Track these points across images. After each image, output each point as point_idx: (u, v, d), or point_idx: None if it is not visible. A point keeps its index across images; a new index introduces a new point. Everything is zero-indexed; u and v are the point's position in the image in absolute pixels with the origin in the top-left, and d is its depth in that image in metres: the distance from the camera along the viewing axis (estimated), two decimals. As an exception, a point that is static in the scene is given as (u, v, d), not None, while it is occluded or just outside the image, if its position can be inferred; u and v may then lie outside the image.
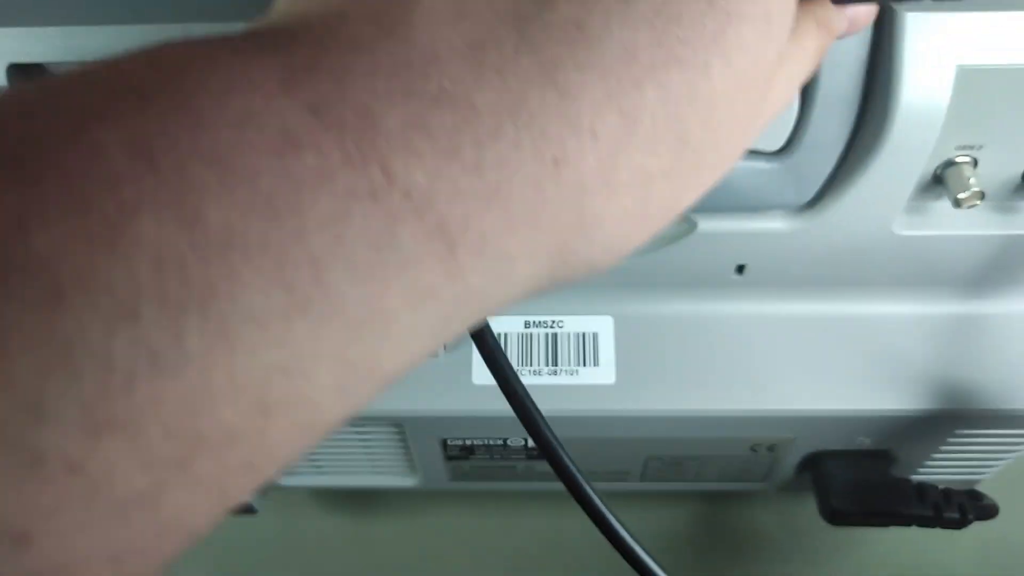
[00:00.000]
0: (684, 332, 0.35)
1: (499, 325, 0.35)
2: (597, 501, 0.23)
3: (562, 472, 0.22)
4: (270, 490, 0.42)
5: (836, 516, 0.36)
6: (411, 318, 0.13)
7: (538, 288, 0.16)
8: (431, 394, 0.34)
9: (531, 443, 0.37)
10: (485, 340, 0.22)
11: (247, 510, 0.42)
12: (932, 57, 0.26)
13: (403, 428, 0.36)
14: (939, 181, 0.31)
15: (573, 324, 0.35)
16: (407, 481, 0.41)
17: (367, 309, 0.12)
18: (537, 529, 0.48)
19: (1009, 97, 0.27)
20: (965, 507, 0.36)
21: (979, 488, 0.41)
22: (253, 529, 0.48)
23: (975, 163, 0.30)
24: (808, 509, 0.39)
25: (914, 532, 0.37)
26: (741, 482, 0.40)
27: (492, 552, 0.48)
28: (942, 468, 0.38)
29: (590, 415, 0.34)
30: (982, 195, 0.29)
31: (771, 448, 0.36)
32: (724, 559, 0.48)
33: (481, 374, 0.34)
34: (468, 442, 0.36)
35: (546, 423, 0.22)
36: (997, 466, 0.38)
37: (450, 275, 0.13)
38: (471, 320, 0.15)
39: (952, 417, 0.34)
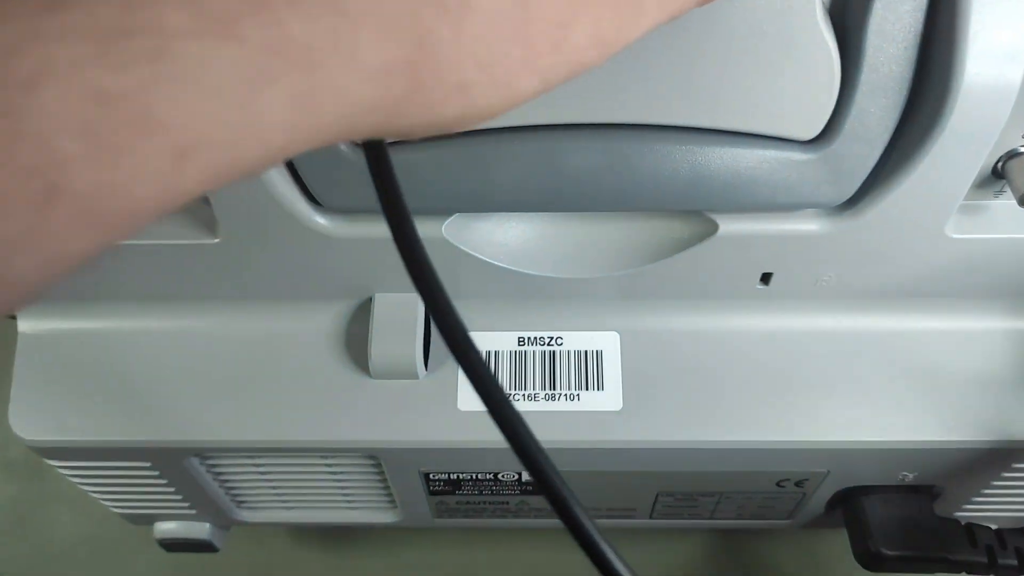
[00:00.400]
0: (701, 351, 0.30)
1: (489, 342, 0.30)
2: (598, 539, 0.18)
3: (557, 503, 0.18)
4: (231, 526, 0.38)
5: (873, 560, 0.31)
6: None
7: (400, 97, 0.14)
8: (410, 423, 0.30)
9: (526, 477, 0.32)
10: (467, 354, 0.18)
11: (206, 547, 0.37)
12: (1003, 26, 0.22)
13: (379, 460, 0.31)
14: (1000, 176, 0.26)
15: (574, 341, 0.30)
16: (386, 518, 0.36)
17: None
18: (530, 567, 0.44)
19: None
20: (1022, 550, 0.31)
21: None
22: (219, 568, 0.44)
23: (1041, 153, 0.26)
24: (835, 545, 0.35)
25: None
26: (763, 520, 0.36)
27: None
28: (992, 505, 0.34)
29: (592, 446, 0.29)
30: (1052, 192, 0.25)
31: (800, 483, 0.32)
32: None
33: (468, 399, 0.30)
34: (454, 476, 0.32)
35: (540, 448, 0.18)
36: (1054, 502, 0.34)
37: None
38: (332, 111, 0.13)
39: (1008, 450, 0.29)
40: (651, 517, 0.36)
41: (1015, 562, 0.31)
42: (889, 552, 0.31)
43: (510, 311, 0.31)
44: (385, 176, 0.17)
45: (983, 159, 0.24)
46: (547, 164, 0.25)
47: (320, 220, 0.27)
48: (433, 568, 0.44)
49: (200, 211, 0.28)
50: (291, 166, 0.25)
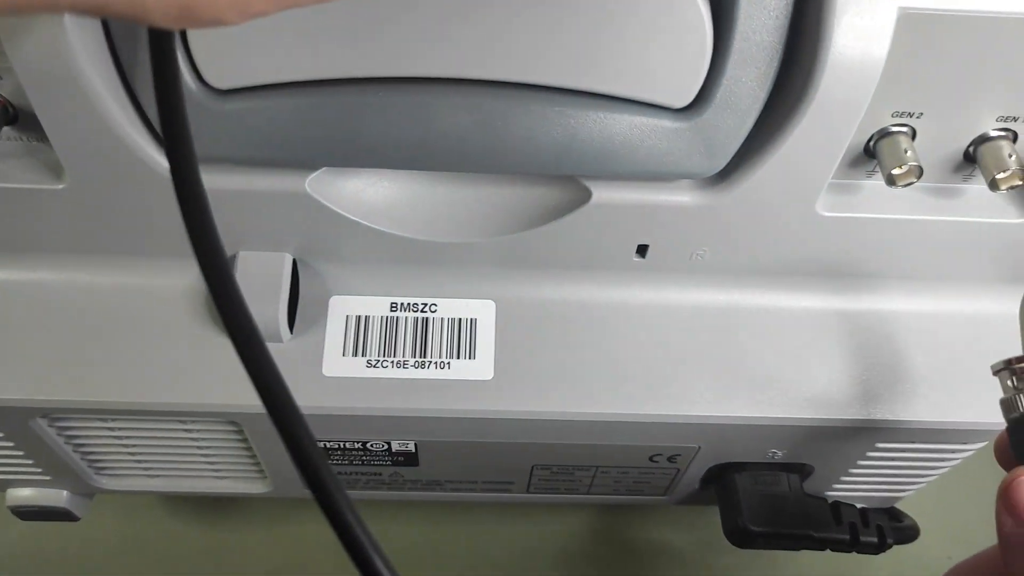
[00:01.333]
0: (577, 322, 0.30)
1: (360, 306, 0.29)
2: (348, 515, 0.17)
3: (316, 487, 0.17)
4: (93, 494, 0.36)
5: (741, 536, 0.31)
6: None
7: None
8: (272, 386, 0.28)
9: (396, 447, 0.31)
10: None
11: (64, 516, 0.35)
12: (869, 2, 0.22)
13: (241, 427, 0.30)
14: (871, 155, 0.26)
15: (449, 308, 0.30)
16: (257, 488, 0.35)
17: None
18: (412, 540, 0.43)
19: (959, 51, 0.23)
20: (884, 530, 0.32)
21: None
22: (85, 540, 0.42)
23: (913, 134, 0.26)
24: (717, 522, 0.35)
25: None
26: (640, 495, 0.36)
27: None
28: (861, 484, 0.34)
29: (461, 416, 0.29)
30: (920, 171, 0.25)
31: (672, 459, 0.32)
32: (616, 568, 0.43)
33: (333, 365, 0.29)
34: (321, 444, 0.31)
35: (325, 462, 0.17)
36: (921, 484, 0.34)
37: None
38: None
39: (872, 429, 0.30)
40: (528, 491, 0.35)
41: (875, 539, 0.32)
42: (755, 529, 0.31)
43: (384, 275, 0.30)
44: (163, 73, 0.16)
45: (850, 135, 0.24)
46: (416, 119, 0.24)
47: (173, 168, 0.25)
48: (315, 541, 0.43)
49: (44, 153, 0.26)
50: (140, 107, 0.24)
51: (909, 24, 0.22)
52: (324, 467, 0.17)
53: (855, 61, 0.22)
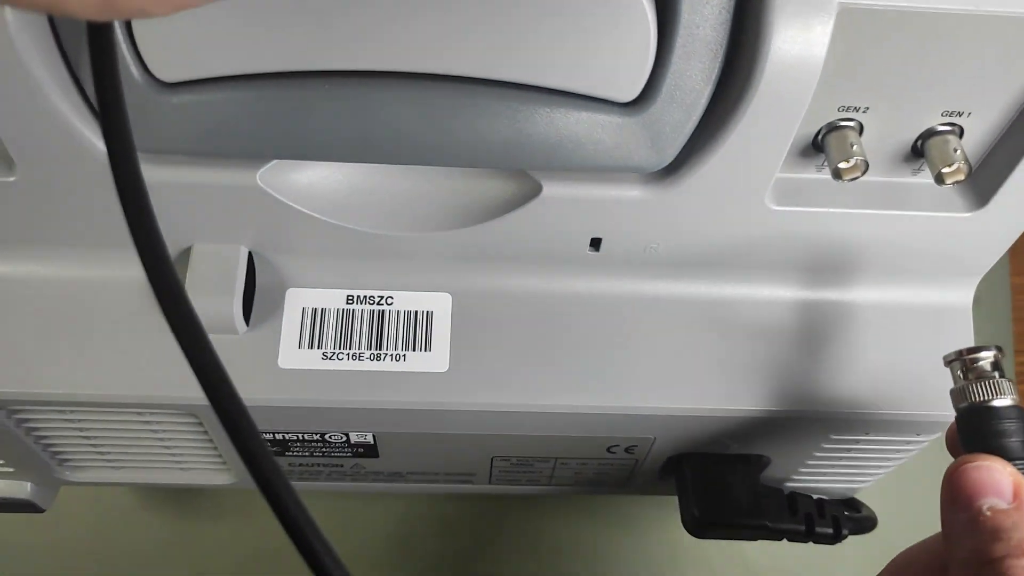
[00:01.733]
0: (533, 314, 0.30)
1: (316, 299, 0.29)
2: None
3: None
4: (58, 485, 0.36)
5: (697, 526, 0.32)
6: None
7: None
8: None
9: (354, 438, 0.31)
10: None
11: (29, 507, 0.35)
12: (809, -5, 0.22)
13: (200, 419, 0.30)
14: (820, 149, 0.27)
15: (405, 301, 0.30)
16: (220, 479, 0.35)
17: None
18: (382, 528, 0.43)
19: (900, 46, 0.23)
20: (840, 521, 0.32)
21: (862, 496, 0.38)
22: (52, 529, 0.42)
23: (861, 129, 0.26)
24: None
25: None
26: (601, 486, 0.36)
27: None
28: (819, 476, 0.35)
29: (416, 408, 0.29)
30: (866, 166, 0.25)
31: (630, 450, 0.32)
32: (584, 561, 0.43)
33: (289, 357, 0.29)
34: (279, 436, 0.31)
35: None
36: (878, 474, 0.35)
37: None
38: None
39: (825, 421, 0.30)
40: (491, 483, 0.35)
41: (831, 530, 0.32)
42: (711, 519, 0.31)
43: (341, 268, 0.30)
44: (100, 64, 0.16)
45: (794, 129, 0.24)
46: (362, 112, 0.24)
47: (124, 162, 0.25)
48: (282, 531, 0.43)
49: (-5, 147, 0.26)
50: (87, 97, 0.24)
51: (849, 19, 0.22)
52: (264, 454, 0.17)
53: (795, 56, 0.23)
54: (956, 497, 0.23)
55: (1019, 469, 0.23)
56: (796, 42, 0.22)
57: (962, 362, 0.25)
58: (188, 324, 0.17)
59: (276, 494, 0.16)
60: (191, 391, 0.28)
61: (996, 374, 0.24)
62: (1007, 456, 0.23)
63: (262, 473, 0.16)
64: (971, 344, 0.26)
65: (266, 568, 0.43)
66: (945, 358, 0.26)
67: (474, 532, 0.43)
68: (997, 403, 0.24)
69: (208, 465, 0.34)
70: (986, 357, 0.24)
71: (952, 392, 0.25)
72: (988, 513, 0.22)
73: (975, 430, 0.24)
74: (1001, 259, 0.49)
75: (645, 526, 0.44)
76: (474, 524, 0.43)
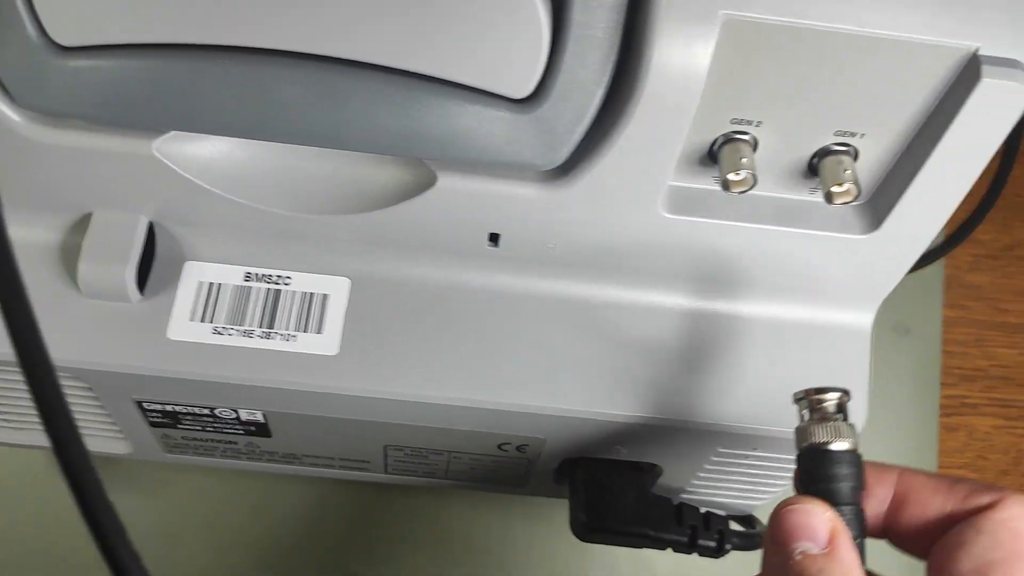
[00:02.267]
0: (430, 305, 0.30)
1: (214, 273, 0.29)
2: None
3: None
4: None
5: (582, 530, 0.32)
6: None
7: None
8: (116, 346, 0.29)
9: (244, 416, 0.31)
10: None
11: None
12: (694, 2, 0.22)
13: (90, 384, 0.30)
14: (716, 160, 0.27)
15: (303, 282, 0.30)
16: (117, 448, 0.35)
17: None
18: (292, 515, 0.43)
19: (788, 62, 0.23)
20: (724, 535, 0.32)
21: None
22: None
23: (756, 143, 0.26)
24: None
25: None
26: (499, 484, 0.36)
27: (238, 535, 0.43)
28: (714, 488, 0.35)
29: (300, 389, 0.29)
30: (754, 180, 0.25)
31: (521, 448, 0.32)
32: (494, 557, 0.43)
33: (179, 329, 0.29)
34: (169, 407, 0.31)
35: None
36: (774, 491, 0.35)
37: None
38: None
39: (713, 433, 0.30)
40: (387, 472, 0.35)
41: (714, 544, 0.32)
42: (596, 524, 0.31)
43: (243, 244, 0.30)
44: None
45: (681, 137, 0.24)
46: (256, 88, 0.24)
47: (16, 119, 0.26)
48: (194, 509, 0.43)
49: None
50: (-22, 55, 0.24)
51: (736, 31, 0.22)
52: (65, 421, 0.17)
53: (678, 64, 0.23)
54: (775, 538, 0.23)
55: (845, 515, 0.23)
56: (679, 51, 0.22)
57: (808, 402, 0.25)
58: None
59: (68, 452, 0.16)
60: (76, 353, 0.29)
61: (839, 417, 0.24)
62: (835, 501, 0.23)
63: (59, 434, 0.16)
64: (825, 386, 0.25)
65: (172, 544, 0.43)
66: (794, 395, 0.25)
67: (385, 522, 0.43)
68: (834, 447, 0.24)
69: (103, 432, 0.34)
70: (832, 399, 0.24)
71: (796, 431, 0.25)
72: (798, 557, 0.22)
73: (810, 471, 0.24)
74: (934, 291, 0.49)
75: (559, 525, 0.44)
76: (385, 514, 0.43)
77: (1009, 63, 0.23)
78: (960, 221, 0.50)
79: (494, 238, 0.29)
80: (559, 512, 0.43)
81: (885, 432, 0.46)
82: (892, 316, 0.48)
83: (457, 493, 0.43)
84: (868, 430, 0.47)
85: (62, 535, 0.42)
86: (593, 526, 0.31)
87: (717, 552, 0.32)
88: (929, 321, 0.48)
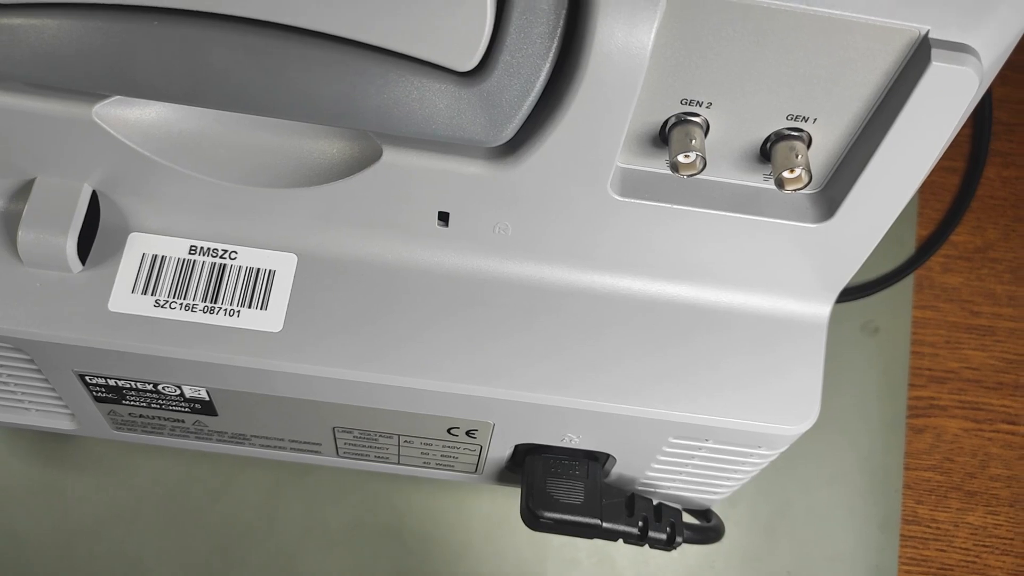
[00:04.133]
0: (378, 284, 0.29)
1: (158, 245, 0.29)
2: None
3: None
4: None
5: (532, 520, 0.31)
6: None
7: None
8: (55, 316, 0.28)
9: (188, 392, 0.31)
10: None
11: None
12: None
13: (31, 355, 0.29)
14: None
15: (249, 257, 0.29)
16: (64, 424, 0.35)
17: None
18: (249, 498, 0.43)
19: (738, 42, 0.23)
20: (676, 527, 0.32)
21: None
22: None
23: (707, 126, 0.26)
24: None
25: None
26: (451, 471, 0.35)
27: (195, 517, 0.42)
28: (670, 480, 0.34)
29: (241, 365, 0.28)
30: (703, 163, 0.25)
31: (471, 433, 0.32)
32: (449, 548, 0.43)
33: (120, 301, 0.28)
34: (112, 382, 0.30)
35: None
36: (731, 485, 0.34)
37: None
38: None
39: (663, 422, 0.29)
40: (338, 455, 0.35)
41: (664, 536, 0.31)
42: (544, 513, 0.31)
43: (189, 216, 0.29)
44: None
45: (627, 117, 0.24)
46: (192, 52, 0.24)
47: (-48, 80, 0.25)
48: (146, 491, 0.42)
49: None
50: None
51: (680, 9, 0.22)
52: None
53: (622, 42, 0.22)
54: None
55: None
56: (622, 28, 0.22)
57: None
58: None
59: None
60: (14, 323, 0.28)
61: None
62: None
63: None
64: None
65: (128, 525, 0.42)
66: None
67: (341, 508, 0.43)
68: None
69: (49, 408, 0.34)
70: None
71: None
72: None
73: None
74: (905, 291, 0.49)
75: (518, 515, 0.44)
76: (341, 500, 0.43)
77: (960, 47, 0.22)
78: (934, 224, 0.50)
79: (444, 217, 0.28)
80: (518, 501, 0.43)
81: (852, 432, 0.46)
82: (861, 315, 0.48)
83: (414, 480, 0.43)
84: (834, 430, 0.47)
85: (10, 513, 0.42)
86: (540, 515, 0.31)
87: (668, 544, 0.31)
88: (898, 321, 0.47)
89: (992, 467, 0.47)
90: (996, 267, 0.50)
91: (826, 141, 0.26)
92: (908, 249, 0.49)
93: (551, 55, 0.23)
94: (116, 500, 0.42)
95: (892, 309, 0.47)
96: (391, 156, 0.26)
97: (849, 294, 0.47)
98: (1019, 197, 0.51)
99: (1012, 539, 0.46)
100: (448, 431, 0.32)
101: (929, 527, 0.46)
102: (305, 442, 0.34)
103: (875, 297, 0.48)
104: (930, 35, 0.22)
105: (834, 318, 0.31)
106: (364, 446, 0.34)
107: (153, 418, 0.33)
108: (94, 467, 0.43)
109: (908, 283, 0.48)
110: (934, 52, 0.22)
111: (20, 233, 0.28)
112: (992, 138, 0.51)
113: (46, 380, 0.31)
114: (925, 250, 0.49)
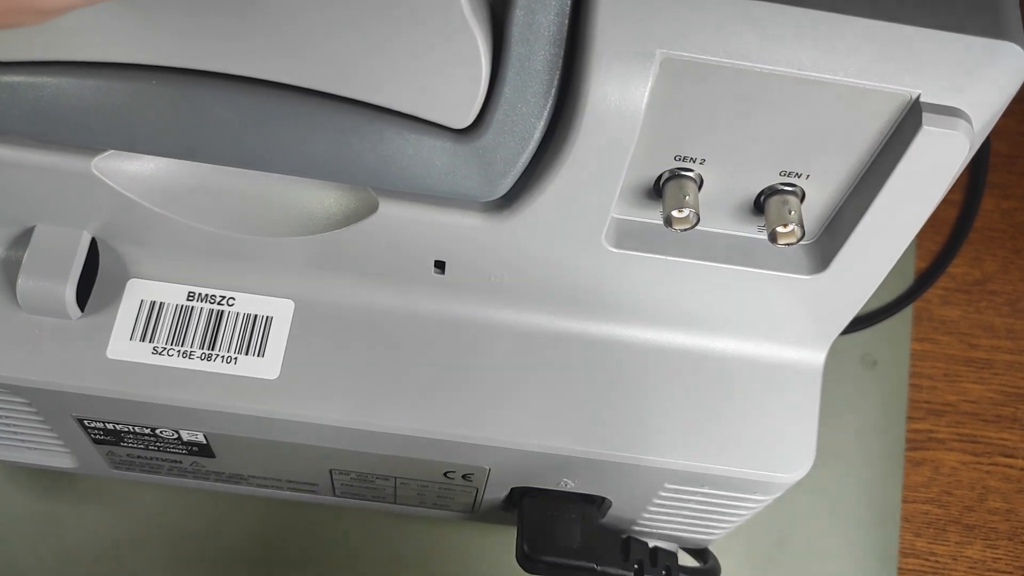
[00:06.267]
0: (374, 331, 0.30)
1: (156, 292, 0.29)
2: None
3: None
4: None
5: (527, 562, 0.31)
6: None
7: None
8: (54, 363, 0.28)
9: (186, 436, 0.31)
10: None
11: None
12: (631, 40, 0.22)
13: (29, 400, 0.30)
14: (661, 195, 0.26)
15: (247, 304, 0.29)
16: (64, 462, 0.35)
17: None
18: (248, 533, 0.43)
19: (730, 103, 0.23)
20: (672, 571, 0.32)
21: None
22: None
23: (700, 180, 0.26)
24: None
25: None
26: (447, 511, 0.35)
27: (195, 551, 0.42)
28: (666, 523, 0.34)
29: (238, 412, 0.28)
30: (697, 218, 0.25)
31: (467, 477, 0.32)
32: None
33: (118, 348, 0.28)
34: (111, 426, 0.31)
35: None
36: (727, 527, 0.34)
37: None
38: None
39: (659, 469, 0.29)
40: (335, 495, 0.35)
41: (659, 579, 0.32)
42: (537, 556, 0.31)
43: (187, 263, 0.29)
44: None
45: (621, 173, 0.24)
46: (191, 110, 0.24)
47: (-47, 134, 0.25)
48: (152, 520, 0.43)
49: None
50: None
51: (673, 70, 0.22)
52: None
53: (616, 102, 0.22)
54: None
55: None
56: (616, 88, 0.22)
57: None
58: None
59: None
60: (15, 371, 0.28)
61: None
62: None
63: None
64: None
65: (125, 556, 0.42)
66: None
67: (339, 544, 0.43)
68: None
69: (49, 447, 0.34)
70: None
71: None
72: None
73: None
74: (904, 324, 0.49)
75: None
76: (339, 536, 0.43)
77: (951, 111, 0.22)
78: (932, 256, 0.50)
79: (440, 265, 0.28)
80: (514, 538, 0.43)
81: (850, 464, 0.46)
82: (860, 348, 0.48)
83: (411, 517, 0.43)
84: (833, 462, 0.47)
85: (11, 544, 0.42)
86: (536, 558, 0.31)
87: (662, 588, 0.32)
88: (897, 353, 0.47)
89: (990, 500, 0.47)
90: (994, 299, 0.50)
91: (819, 196, 0.26)
92: (906, 281, 0.49)
93: (546, 113, 0.24)
94: (117, 531, 0.43)
95: (891, 341, 0.47)
96: (388, 208, 0.26)
97: (848, 326, 0.47)
98: (1017, 229, 0.51)
99: (1011, 573, 0.46)
100: (444, 474, 0.32)
101: (928, 560, 0.46)
102: (302, 483, 0.34)
103: (873, 329, 0.48)
104: (921, 99, 0.22)
105: (833, 350, 0.31)
106: (361, 487, 0.34)
107: (151, 459, 0.33)
108: (95, 498, 0.43)
109: (907, 315, 0.48)
110: (925, 116, 0.22)
111: (20, 280, 0.28)
112: (990, 170, 0.51)
113: (45, 422, 0.32)
114: (923, 282, 0.49)
